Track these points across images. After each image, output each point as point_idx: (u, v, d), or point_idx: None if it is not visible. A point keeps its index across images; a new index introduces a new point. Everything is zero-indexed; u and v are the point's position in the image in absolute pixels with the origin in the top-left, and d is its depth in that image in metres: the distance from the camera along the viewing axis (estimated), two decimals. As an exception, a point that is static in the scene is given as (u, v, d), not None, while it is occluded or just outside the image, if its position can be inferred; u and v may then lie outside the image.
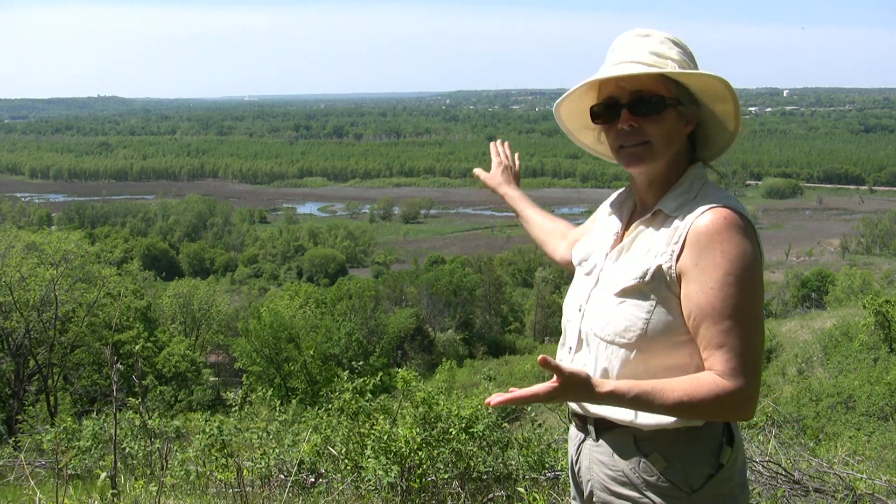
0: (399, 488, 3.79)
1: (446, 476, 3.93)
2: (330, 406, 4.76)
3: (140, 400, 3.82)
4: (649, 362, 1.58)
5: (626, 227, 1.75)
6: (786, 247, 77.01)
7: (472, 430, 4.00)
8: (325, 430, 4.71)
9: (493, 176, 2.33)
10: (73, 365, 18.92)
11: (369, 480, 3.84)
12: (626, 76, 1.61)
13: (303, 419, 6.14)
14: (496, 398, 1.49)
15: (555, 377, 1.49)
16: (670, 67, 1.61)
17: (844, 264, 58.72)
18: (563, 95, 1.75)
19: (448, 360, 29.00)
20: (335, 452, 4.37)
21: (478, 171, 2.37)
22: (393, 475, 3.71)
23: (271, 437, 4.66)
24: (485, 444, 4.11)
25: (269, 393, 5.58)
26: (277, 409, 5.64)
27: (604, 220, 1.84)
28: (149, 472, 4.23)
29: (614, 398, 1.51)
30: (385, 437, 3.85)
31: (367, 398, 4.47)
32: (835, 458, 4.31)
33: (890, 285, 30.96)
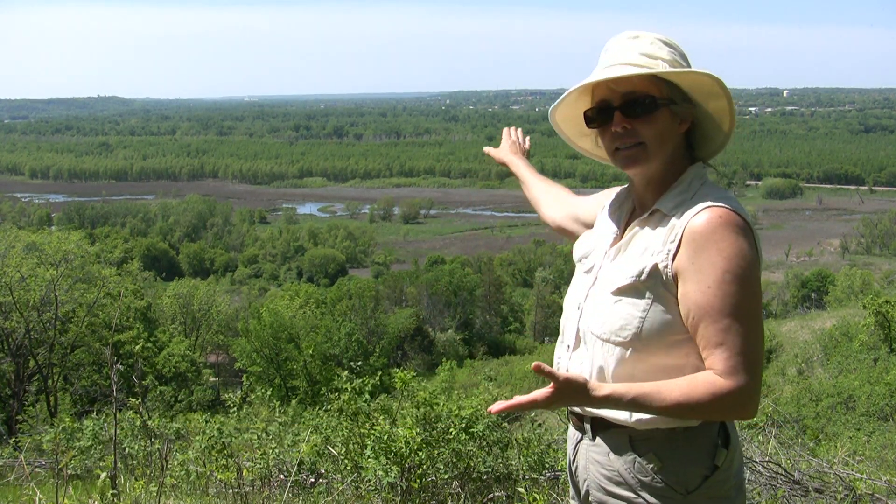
0: (399, 488, 3.80)
1: (446, 476, 3.93)
2: (330, 406, 4.76)
3: (140, 400, 3.82)
4: (645, 361, 1.58)
5: (625, 227, 1.76)
6: (786, 247, 77.03)
7: (472, 431, 4.00)
8: (325, 430, 4.71)
9: (501, 149, 2.41)
10: (73, 365, 18.92)
11: (369, 481, 3.84)
12: (615, 78, 1.62)
13: (302, 419, 6.14)
14: (497, 406, 1.49)
15: (551, 383, 1.50)
16: (661, 67, 1.61)
17: (844, 264, 58.73)
18: (556, 102, 1.76)
19: (448, 360, 28.97)
20: (335, 452, 4.38)
21: (487, 148, 2.46)
22: (393, 475, 3.72)
23: (271, 437, 4.66)
24: (485, 444, 4.11)
25: (270, 393, 5.58)
26: (277, 409, 5.64)
27: (604, 218, 1.84)
28: (149, 472, 4.23)
29: (611, 401, 1.51)
30: (385, 438, 3.85)
31: (365, 398, 4.47)
32: (835, 458, 4.30)
33: (890, 285, 30.96)
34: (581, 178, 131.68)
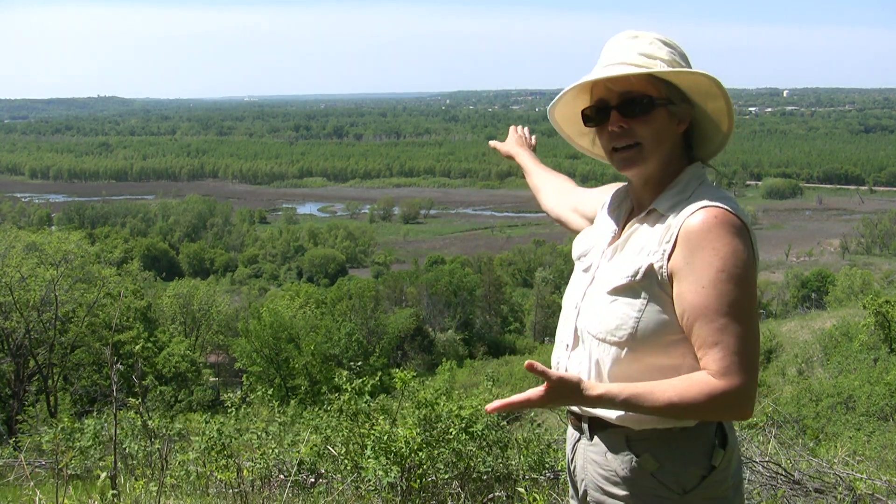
0: (399, 488, 3.80)
1: (446, 476, 3.93)
2: (330, 406, 4.76)
3: (140, 400, 3.82)
4: (641, 361, 1.58)
5: (623, 226, 1.76)
6: (786, 247, 77.07)
7: (472, 430, 4.00)
8: (325, 430, 4.71)
9: (507, 143, 2.42)
10: (73, 365, 18.93)
11: (369, 481, 3.84)
12: (612, 77, 1.62)
13: (302, 419, 6.14)
14: (493, 405, 1.51)
15: (545, 382, 1.50)
16: (659, 67, 1.61)
17: (844, 264, 58.74)
18: (554, 100, 1.77)
19: (448, 360, 28.99)
20: (335, 452, 4.38)
21: (493, 142, 2.48)
22: (393, 475, 3.72)
23: (271, 437, 4.66)
24: (485, 444, 4.11)
25: (270, 393, 5.58)
26: (277, 409, 5.64)
27: (603, 217, 1.85)
28: (149, 472, 4.23)
29: (605, 401, 1.51)
30: (385, 438, 3.85)
31: (365, 399, 4.47)
32: (835, 458, 4.30)
33: (890, 285, 30.95)
34: (581, 178, 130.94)
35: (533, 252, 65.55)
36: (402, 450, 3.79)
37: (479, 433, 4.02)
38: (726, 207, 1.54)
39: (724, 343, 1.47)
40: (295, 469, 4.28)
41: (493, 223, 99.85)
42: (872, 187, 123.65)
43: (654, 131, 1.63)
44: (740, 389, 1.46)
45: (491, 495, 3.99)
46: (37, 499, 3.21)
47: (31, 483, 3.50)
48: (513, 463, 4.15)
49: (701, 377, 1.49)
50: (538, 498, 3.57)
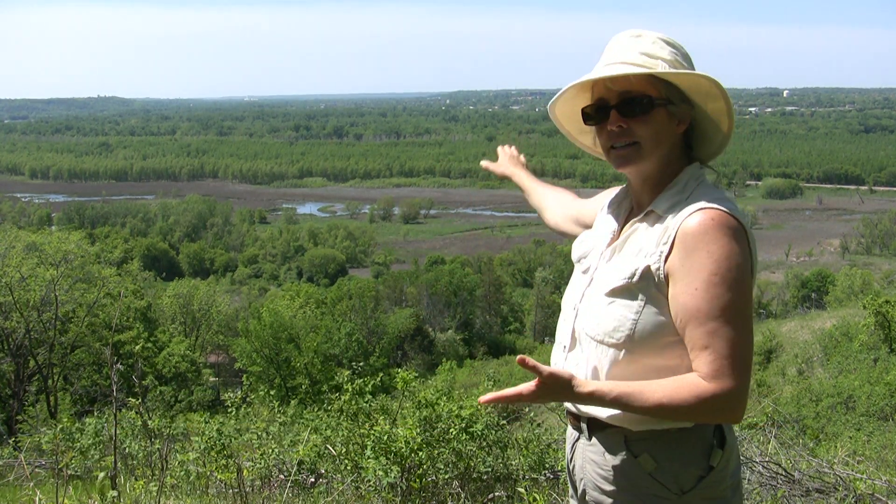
0: (399, 488, 3.80)
1: (446, 476, 3.93)
2: (330, 406, 4.76)
3: (140, 400, 3.82)
4: (639, 362, 1.58)
5: (622, 227, 1.76)
6: (786, 247, 77.09)
7: (472, 430, 4.00)
8: (325, 430, 4.71)
9: (500, 163, 2.40)
10: (73, 365, 18.94)
11: (369, 481, 3.84)
12: (612, 77, 1.62)
13: (303, 420, 6.14)
14: (486, 397, 1.51)
15: (536, 377, 1.50)
16: (660, 67, 1.61)
17: (844, 264, 58.74)
18: (555, 97, 1.77)
19: (448, 360, 28.99)
20: (334, 452, 4.38)
21: (485, 163, 2.44)
22: (393, 476, 3.72)
23: (271, 437, 4.66)
24: (485, 444, 4.11)
25: (272, 393, 5.58)
26: (277, 409, 5.64)
27: (602, 218, 1.85)
28: (149, 472, 4.24)
29: (595, 398, 1.52)
30: (385, 438, 3.85)
31: (366, 399, 4.47)
32: (835, 458, 4.30)
33: (890, 285, 30.95)
34: (581, 178, 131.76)
35: (533, 252, 65.55)
36: (403, 450, 3.79)
37: (480, 433, 4.02)
38: (724, 209, 1.54)
39: (715, 346, 1.47)
40: (295, 469, 4.28)
41: (493, 223, 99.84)
42: (872, 187, 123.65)
43: (653, 131, 1.63)
44: (730, 393, 1.46)
45: (491, 495, 4.00)
46: (37, 499, 3.21)
47: (31, 483, 3.50)
48: (513, 463, 4.15)
49: (691, 379, 1.49)
50: (538, 498, 3.57)
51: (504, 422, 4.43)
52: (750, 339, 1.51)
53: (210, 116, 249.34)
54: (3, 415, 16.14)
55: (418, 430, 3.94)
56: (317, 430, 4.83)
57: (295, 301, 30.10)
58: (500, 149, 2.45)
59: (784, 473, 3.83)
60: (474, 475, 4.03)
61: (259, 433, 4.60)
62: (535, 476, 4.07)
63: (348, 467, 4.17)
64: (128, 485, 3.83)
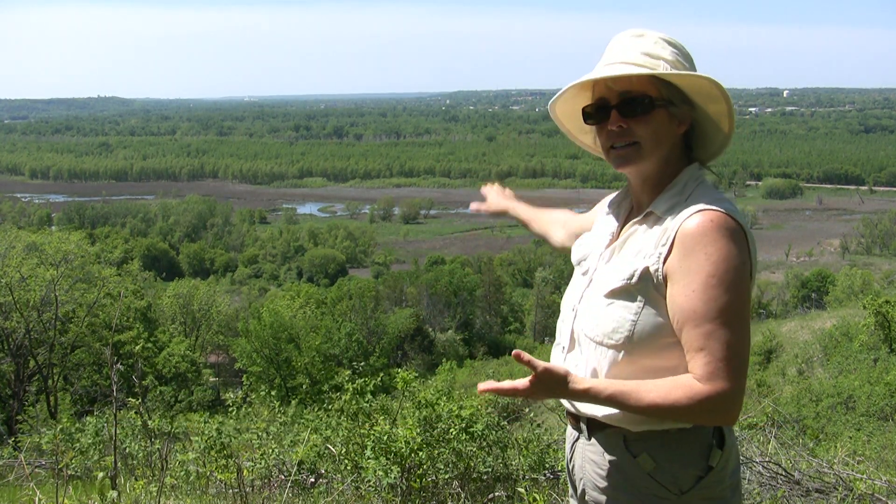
0: (399, 489, 3.80)
1: (446, 476, 3.93)
2: (330, 406, 4.76)
3: (140, 400, 3.82)
4: (638, 364, 1.58)
5: (621, 228, 1.76)
6: (786, 247, 77.08)
7: (472, 431, 4.00)
8: (325, 430, 4.71)
9: (490, 202, 2.36)
10: (74, 365, 18.93)
11: (369, 481, 3.84)
12: (613, 77, 1.62)
13: (303, 420, 6.15)
14: (483, 386, 1.52)
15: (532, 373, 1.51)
16: (662, 68, 1.61)
17: (844, 265, 58.73)
18: (556, 96, 1.76)
19: (448, 360, 28.99)
20: (334, 451, 4.38)
21: (474, 205, 2.38)
22: (393, 476, 3.72)
23: (271, 437, 4.67)
24: (485, 444, 4.11)
25: (272, 393, 5.58)
26: (277, 409, 5.64)
27: (602, 219, 1.85)
28: (149, 472, 4.23)
29: (590, 396, 1.52)
30: (385, 438, 3.85)
31: (367, 398, 4.47)
32: (835, 458, 4.30)
33: (890, 286, 30.96)
34: (581, 178, 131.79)
35: (533, 252, 65.50)
36: (403, 450, 3.79)
37: (480, 433, 4.02)
38: (723, 210, 1.54)
39: (711, 348, 1.47)
40: (295, 469, 4.28)
41: (493, 223, 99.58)
42: (872, 187, 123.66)
43: (653, 132, 1.62)
44: (724, 394, 1.46)
45: (491, 495, 4.00)
46: (37, 499, 3.21)
47: (31, 483, 3.50)
48: (513, 463, 4.15)
49: (686, 380, 1.49)
50: (538, 498, 3.57)
51: (504, 422, 4.43)
52: (746, 341, 1.50)
53: (210, 116, 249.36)
54: (3, 415, 16.14)
55: (418, 430, 3.94)
56: (317, 431, 4.83)
57: (295, 301, 30.11)
58: (484, 189, 2.40)
59: (784, 473, 3.83)
60: (474, 475, 4.03)
61: (259, 433, 4.60)
62: (535, 476, 4.07)
63: (348, 467, 4.18)
64: (128, 485, 3.83)
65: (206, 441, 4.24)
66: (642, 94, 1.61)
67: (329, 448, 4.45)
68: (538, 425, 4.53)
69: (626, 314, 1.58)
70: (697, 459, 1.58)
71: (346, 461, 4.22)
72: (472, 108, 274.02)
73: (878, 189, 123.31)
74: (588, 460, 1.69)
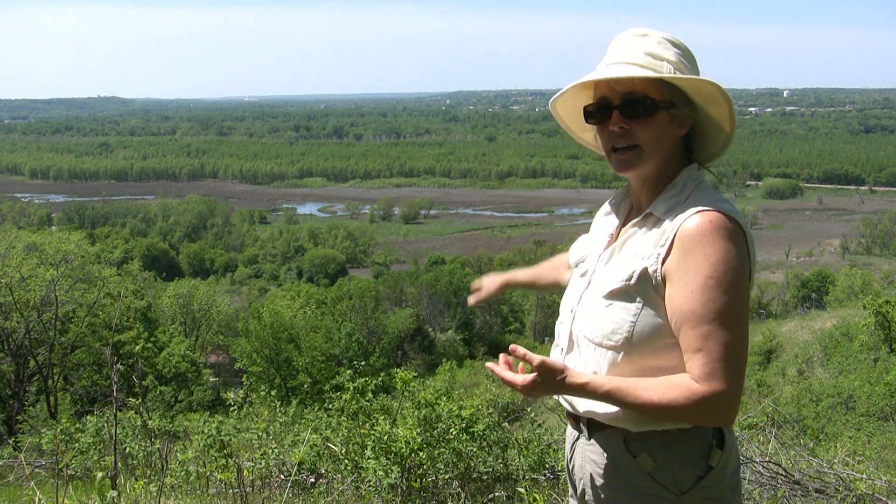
0: (399, 489, 3.80)
1: (447, 476, 3.93)
2: (331, 406, 4.76)
3: (140, 400, 3.82)
4: (637, 364, 1.58)
5: (620, 229, 1.76)
6: (786, 247, 77.05)
7: (472, 431, 4.00)
8: (325, 430, 4.71)
9: (486, 286, 2.21)
10: (74, 365, 18.92)
11: (369, 481, 3.84)
12: (616, 78, 1.61)
13: (303, 419, 6.15)
14: (492, 365, 1.57)
15: (534, 372, 1.52)
16: (666, 69, 1.60)
17: (844, 265, 58.69)
18: (558, 94, 1.76)
19: (448, 360, 28.98)
20: (335, 450, 4.38)
21: (472, 298, 2.21)
22: (393, 476, 3.72)
23: (271, 437, 4.67)
24: (485, 444, 4.11)
25: (272, 393, 5.59)
26: (278, 409, 5.64)
27: (601, 220, 1.85)
28: (149, 472, 4.23)
29: (588, 390, 1.53)
30: (385, 438, 3.85)
31: (367, 397, 4.47)
32: (835, 458, 4.30)
33: (890, 286, 30.95)
34: (581, 178, 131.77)
35: (533, 252, 65.45)
36: (403, 450, 3.79)
37: (480, 433, 4.02)
38: (722, 211, 1.54)
39: (708, 349, 1.47)
40: (295, 469, 4.28)
41: (493, 223, 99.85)
42: (872, 187, 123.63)
43: (655, 133, 1.62)
44: (721, 395, 1.46)
45: (491, 495, 3.99)
46: (37, 499, 3.21)
47: (31, 483, 3.50)
48: (513, 463, 4.15)
49: (683, 379, 1.49)
50: (538, 498, 3.57)
51: (504, 422, 4.43)
52: (744, 342, 1.50)
53: (210, 116, 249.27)
54: (3, 415, 16.14)
55: (418, 430, 3.94)
56: (317, 430, 4.83)
57: (295, 301, 30.12)
58: (475, 283, 2.25)
59: (784, 473, 3.83)
60: (474, 475, 4.03)
61: (259, 433, 4.60)
62: (535, 476, 4.07)
63: (348, 467, 4.18)
64: (128, 485, 3.83)
65: (206, 440, 4.24)
66: (645, 96, 1.61)
67: (329, 447, 4.45)
68: (538, 425, 4.53)
69: (625, 315, 1.58)
70: (697, 459, 1.58)
71: (347, 461, 4.22)
72: (472, 108, 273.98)
73: (878, 189, 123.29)
74: (588, 460, 1.69)
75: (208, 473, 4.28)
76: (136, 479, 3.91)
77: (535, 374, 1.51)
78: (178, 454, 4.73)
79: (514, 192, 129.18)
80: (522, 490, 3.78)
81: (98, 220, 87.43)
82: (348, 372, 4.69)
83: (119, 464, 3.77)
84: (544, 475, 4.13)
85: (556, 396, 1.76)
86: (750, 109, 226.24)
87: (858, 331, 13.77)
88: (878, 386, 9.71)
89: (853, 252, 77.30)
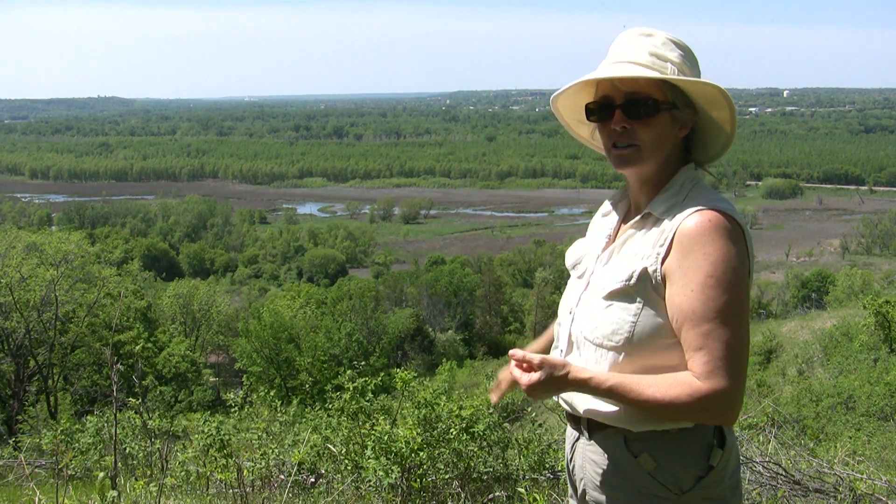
0: (399, 489, 3.80)
1: (447, 476, 3.93)
2: (331, 406, 4.77)
3: (140, 400, 3.82)
4: (638, 364, 1.58)
5: (618, 228, 1.76)
6: (786, 247, 77.05)
7: (472, 431, 4.00)
8: (325, 430, 4.71)
9: (503, 378, 1.97)
10: (74, 365, 18.93)
11: (370, 481, 3.84)
12: (621, 78, 1.62)
13: (304, 419, 6.15)
14: (514, 352, 1.58)
15: (540, 372, 1.53)
16: (669, 69, 1.61)
17: (844, 265, 58.66)
18: (561, 90, 1.76)
19: (448, 360, 28.98)
20: (335, 451, 4.38)
21: (494, 397, 1.95)
22: (394, 476, 3.71)
23: (271, 437, 4.67)
24: (485, 444, 4.11)
25: (272, 393, 5.59)
26: (278, 409, 5.65)
27: (599, 222, 1.85)
28: (149, 472, 4.23)
29: (591, 385, 1.53)
30: (385, 438, 3.85)
31: (367, 397, 4.47)
32: (835, 458, 4.30)
33: (890, 286, 30.96)
34: (581, 178, 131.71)
35: (533, 252, 65.48)
36: (403, 450, 3.79)
37: (480, 433, 4.02)
38: (721, 210, 1.54)
39: (710, 347, 1.48)
40: (295, 469, 4.28)
41: (493, 223, 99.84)
42: (872, 187, 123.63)
43: (656, 134, 1.63)
44: (724, 392, 1.46)
45: (491, 495, 4.00)
46: (37, 499, 3.21)
47: (31, 483, 3.50)
48: (513, 463, 4.15)
49: (686, 377, 1.49)
50: (538, 498, 3.57)
51: (504, 422, 4.43)
52: (745, 340, 1.51)
53: (210, 116, 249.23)
54: (3, 415, 16.15)
55: (418, 430, 3.94)
56: (317, 430, 4.83)
57: (295, 301, 30.14)
58: (494, 384, 2.04)
59: (784, 473, 3.83)
60: (474, 475, 4.03)
61: (259, 433, 4.60)
62: (536, 476, 4.07)
63: (348, 467, 4.18)
64: (128, 485, 3.83)
65: (206, 440, 4.24)
66: (648, 96, 1.61)
67: (329, 448, 4.45)
68: (539, 425, 4.53)
69: (625, 315, 1.59)
70: (698, 459, 1.58)
71: (347, 461, 4.22)
72: (472, 108, 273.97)
73: (878, 189, 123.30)
74: (588, 460, 1.69)
75: (208, 473, 4.28)
76: (136, 479, 3.91)
77: (540, 372, 1.51)
78: (178, 454, 4.73)
79: (514, 192, 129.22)
80: (522, 490, 3.78)
81: (98, 220, 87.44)
82: (349, 372, 4.68)
83: (119, 464, 3.77)
84: (544, 475, 4.13)
85: (555, 398, 1.76)
86: (750, 109, 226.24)
87: (858, 331, 13.78)
88: (878, 386, 9.72)
89: (853, 252, 77.30)
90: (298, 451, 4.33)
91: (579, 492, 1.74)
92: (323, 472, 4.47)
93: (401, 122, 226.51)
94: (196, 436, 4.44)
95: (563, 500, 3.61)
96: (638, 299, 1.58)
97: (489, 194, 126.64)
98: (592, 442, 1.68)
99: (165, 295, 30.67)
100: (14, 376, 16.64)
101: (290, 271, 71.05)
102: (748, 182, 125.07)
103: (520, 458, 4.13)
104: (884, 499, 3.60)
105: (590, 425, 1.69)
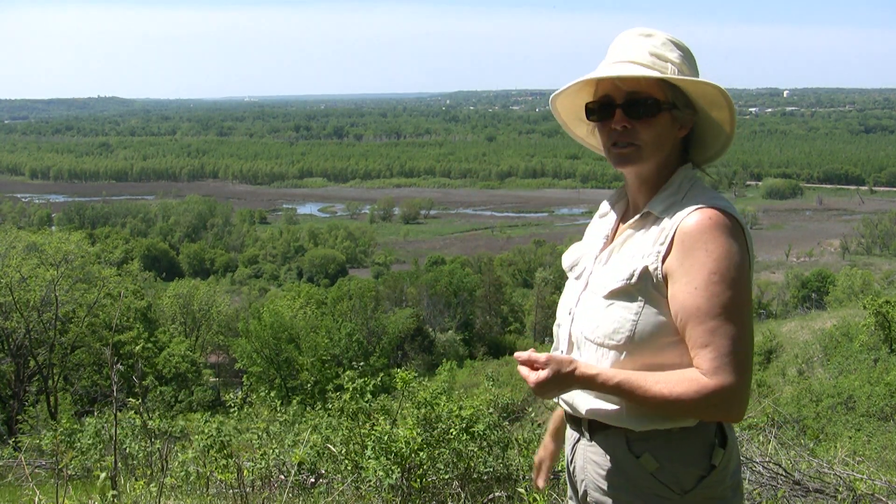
0: (400, 489, 3.80)
1: (447, 476, 3.93)
2: (331, 406, 4.77)
3: (140, 400, 3.82)
4: (639, 363, 1.58)
5: (617, 228, 1.76)
6: (786, 247, 77.05)
7: (472, 431, 4.00)
8: (325, 430, 4.71)
9: (542, 458, 2.05)
10: (74, 365, 18.93)
11: (370, 481, 3.84)
12: (622, 77, 1.62)
13: (304, 419, 6.15)
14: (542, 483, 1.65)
15: (547, 370, 1.53)
16: (669, 70, 1.61)
17: (845, 265, 58.67)
18: (560, 89, 1.76)
19: (448, 360, 28.96)
20: (335, 451, 4.38)
21: (542, 482, 2.04)
22: (394, 476, 3.71)
23: (271, 437, 4.67)
24: (485, 444, 4.11)
25: (272, 394, 5.59)
26: (278, 409, 5.65)
27: (596, 223, 1.85)
28: (149, 472, 4.23)
29: (598, 382, 1.53)
30: (385, 438, 3.85)
31: (367, 398, 4.47)
32: (835, 458, 4.30)
33: (890, 286, 30.96)
34: (581, 178, 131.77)
35: (533, 252, 65.49)
36: (403, 450, 3.79)
37: (480, 433, 4.02)
38: (721, 208, 1.55)
39: (715, 344, 1.48)
40: (295, 469, 4.28)
41: (493, 223, 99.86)
42: (872, 187, 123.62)
43: (656, 134, 1.63)
44: (730, 389, 1.46)
45: (491, 496, 3.99)
46: (37, 499, 3.21)
47: (32, 483, 3.50)
48: (513, 463, 4.15)
49: (692, 374, 1.49)
50: (538, 498, 3.57)
51: (505, 422, 4.43)
52: (750, 336, 1.51)
53: (210, 117, 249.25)
54: (3, 415, 16.15)
55: (418, 430, 3.94)
56: (317, 430, 4.83)
57: (295, 301, 30.12)
58: (535, 470, 2.07)
59: (784, 473, 3.83)
60: (474, 475, 4.03)
61: (259, 433, 4.60)
62: (536, 476, 4.06)
63: (349, 467, 4.17)
64: (128, 485, 3.83)
65: (206, 440, 4.24)
66: (648, 96, 1.61)
67: (329, 448, 4.45)
68: (539, 425, 4.53)
69: (626, 314, 1.59)
70: (700, 458, 1.58)
71: (347, 461, 4.22)
72: (472, 108, 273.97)
73: (878, 189, 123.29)
74: (590, 461, 1.69)
75: (208, 474, 4.28)
76: (136, 480, 3.91)
77: (548, 370, 1.52)
78: (178, 454, 4.73)
79: (514, 192, 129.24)
80: (522, 490, 3.78)
81: (98, 220, 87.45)
82: (349, 372, 4.68)
83: (119, 464, 3.77)
84: (544, 475, 4.12)
85: (555, 399, 1.75)
86: (750, 109, 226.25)
87: (858, 331, 13.78)
88: (879, 386, 9.71)
89: (853, 252, 77.30)
90: (298, 452, 4.33)
91: (580, 493, 1.74)
92: (323, 472, 4.47)
93: (401, 122, 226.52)
94: (196, 436, 4.44)
95: (562, 501, 3.61)
96: (639, 298, 1.58)
97: (489, 194, 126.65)
98: (593, 443, 1.68)
99: (165, 295, 30.68)
100: (14, 376, 16.64)
101: (290, 271, 71.04)
102: (748, 182, 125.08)
103: (520, 458, 4.13)
104: (884, 499, 3.60)
105: (591, 426, 1.69)
